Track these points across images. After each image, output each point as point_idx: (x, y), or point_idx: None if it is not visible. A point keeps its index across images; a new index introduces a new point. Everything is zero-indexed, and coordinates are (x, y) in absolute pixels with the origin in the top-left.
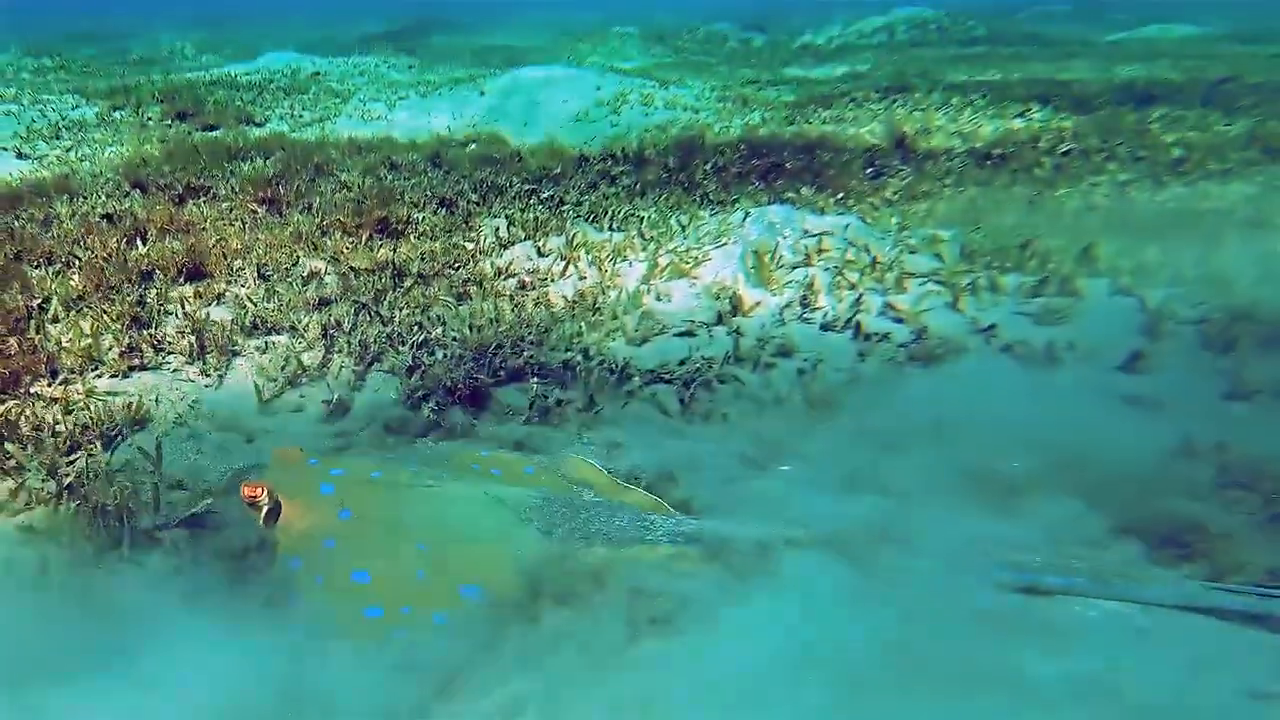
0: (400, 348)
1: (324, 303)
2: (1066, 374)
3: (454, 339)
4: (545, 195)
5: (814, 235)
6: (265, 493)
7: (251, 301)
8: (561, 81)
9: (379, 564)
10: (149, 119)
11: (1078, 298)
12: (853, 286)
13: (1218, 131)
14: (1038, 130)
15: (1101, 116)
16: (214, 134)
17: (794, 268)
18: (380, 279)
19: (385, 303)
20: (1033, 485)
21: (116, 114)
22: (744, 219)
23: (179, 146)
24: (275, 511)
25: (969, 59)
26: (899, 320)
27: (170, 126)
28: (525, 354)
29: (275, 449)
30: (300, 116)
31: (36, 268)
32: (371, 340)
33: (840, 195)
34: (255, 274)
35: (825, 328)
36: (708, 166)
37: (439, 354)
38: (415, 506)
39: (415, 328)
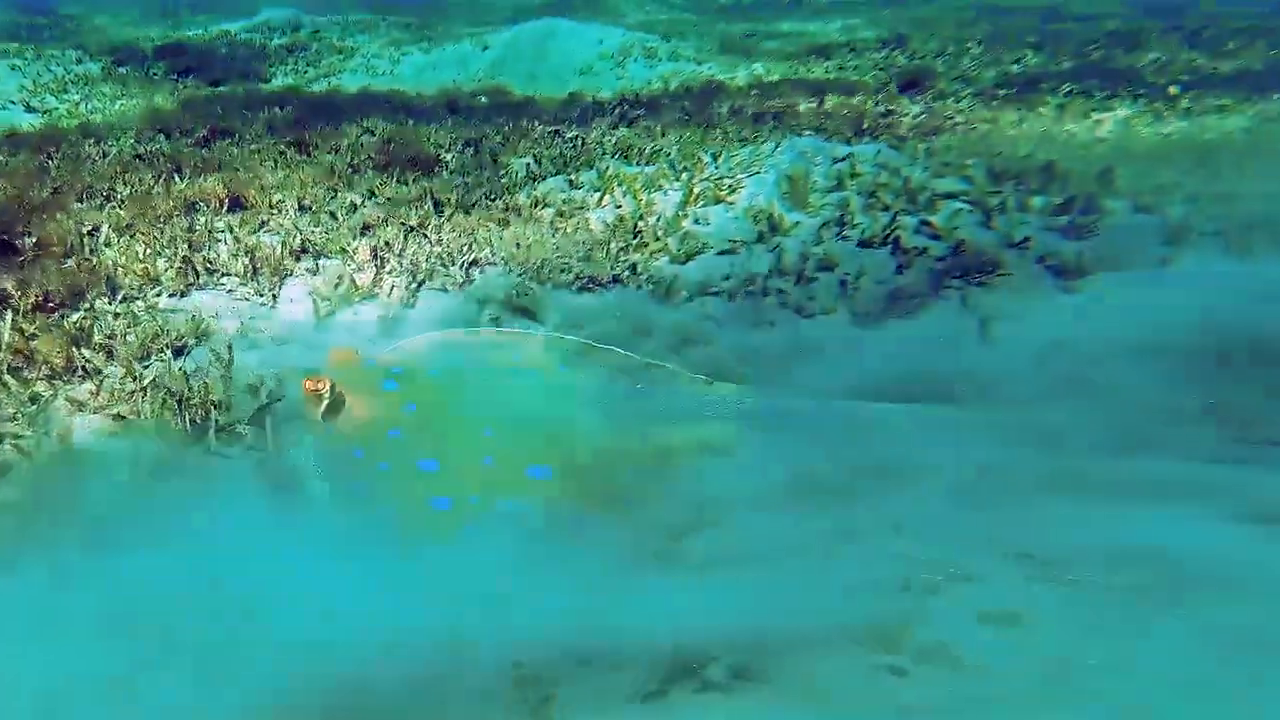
0: (451, 267)
1: (368, 228)
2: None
3: (503, 258)
4: (569, 136)
5: (845, 160)
6: (327, 386)
7: (298, 228)
8: (564, 35)
9: (447, 452)
10: (155, 74)
11: (1103, 215)
12: (886, 207)
13: (1207, 74)
14: (1035, 73)
15: (1097, 59)
16: (221, 89)
17: (828, 191)
18: (422, 208)
19: (430, 227)
20: None
21: (121, 69)
22: (775, 148)
23: (192, 99)
24: (336, 405)
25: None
26: (935, 237)
27: (176, 81)
28: (574, 270)
29: (332, 349)
30: (305, 73)
31: (78, 201)
32: (423, 260)
33: (855, 133)
34: (295, 206)
35: (863, 244)
36: (724, 110)
37: (489, 272)
38: (479, 396)
39: (465, 248)
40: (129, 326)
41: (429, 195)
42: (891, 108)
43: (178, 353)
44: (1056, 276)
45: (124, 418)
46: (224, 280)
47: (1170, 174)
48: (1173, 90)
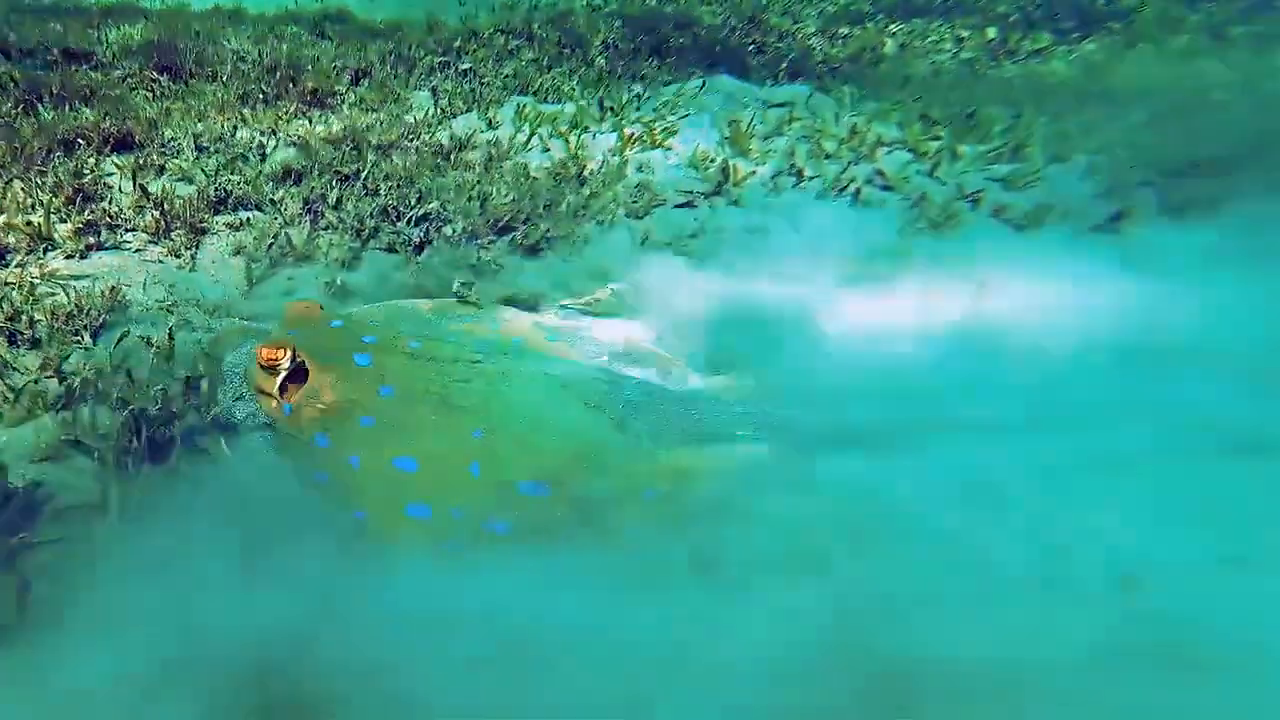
0: (399, 223)
1: (289, 174)
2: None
3: (458, 213)
4: (463, 68)
5: (778, 105)
6: (287, 354)
7: (205, 173)
8: None
9: (427, 451)
10: None
11: (1031, 163)
12: (829, 156)
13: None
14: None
15: None
16: None
17: (767, 137)
18: (343, 150)
19: (365, 175)
20: None
21: None
22: (701, 88)
23: (16, 7)
24: (296, 376)
25: None
26: (887, 188)
27: None
28: (542, 229)
29: (290, 303)
30: None
31: None
32: (366, 215)
33: (732, 70)
34: (193, 145)
35: (821, 196)
36: (599, 43)
37: (446, 229)
38: (467, 386)
39: (417, 201)
40: (29, 300)
41: (349, 136)
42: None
43: (95, 335)
44: (1015, 230)
45: (73, 443)
46: (128, 237)
47: (1042, 118)
48: (990, 33)
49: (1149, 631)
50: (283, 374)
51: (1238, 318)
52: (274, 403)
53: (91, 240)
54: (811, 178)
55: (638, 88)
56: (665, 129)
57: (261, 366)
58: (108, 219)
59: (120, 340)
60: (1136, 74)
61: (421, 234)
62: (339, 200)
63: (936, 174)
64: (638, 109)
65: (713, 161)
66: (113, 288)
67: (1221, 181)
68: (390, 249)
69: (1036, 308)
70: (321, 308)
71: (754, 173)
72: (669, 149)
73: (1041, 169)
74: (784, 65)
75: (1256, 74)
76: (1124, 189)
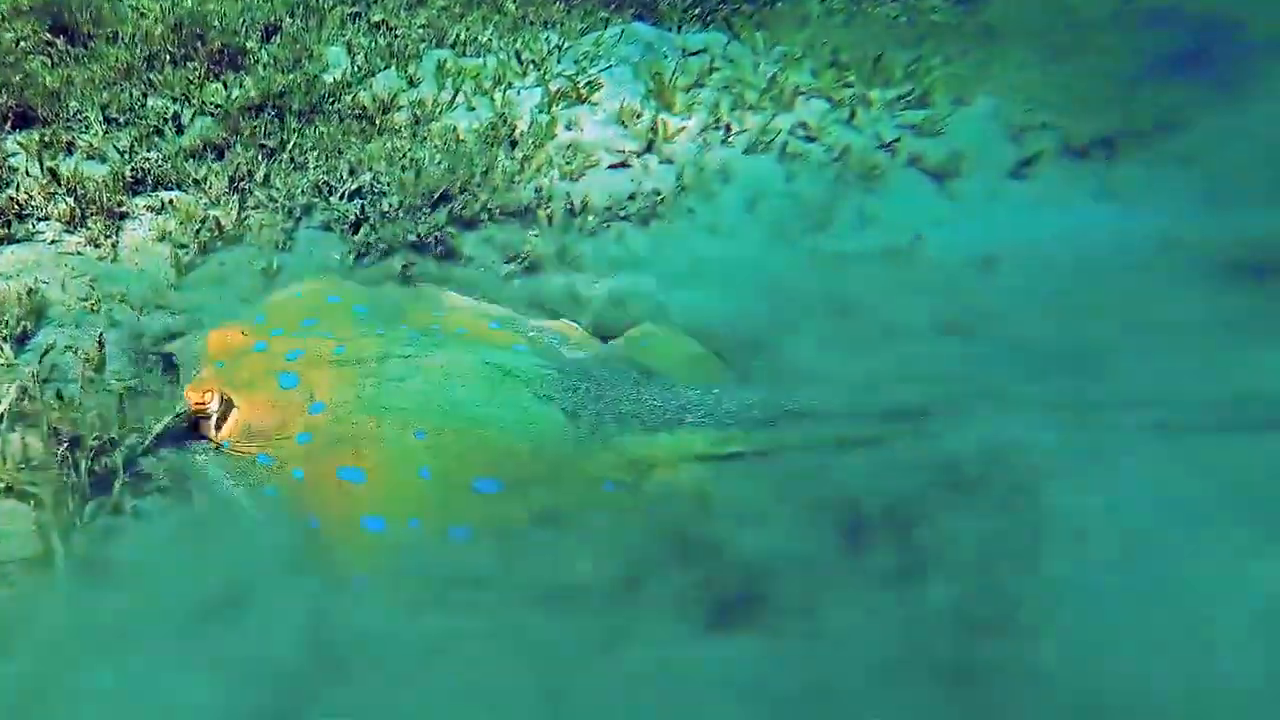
0: (331, 198)
1: (209, 147)
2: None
3: (392, 185)
4: (375, 20)
5: (696, 53)
6: (214, 396)
7: (118, 150)
8: None
9: (371, 460)
10: None
11: (936, 109)
12: (752, 107)
13: None
14: None
15: None
16: None
17: (689, 89)
18: (264, 119)
19: (291, 146)
20: None
21: None
22: (619, 36)
23: None
24: (227, 414)
25: None
26: (810, 139)
27: None
28: (481, 199)
29: (211, 333)
30: None
31: None
32: (297, 191)
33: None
34: (101, 117)
35: (748, 151)
36: None
37: (383, 204)
38: (401, 385)
39: (349, 174)
40: None
41: (270, 102)
42: None
43: (16, 345)
44: (933, 179)
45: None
46: (41, 227)
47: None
48: None
49: None
50: (214, 416)
51: None
52: (212, 446)
53: (1, 233)
54: (739, 132)
55: (554, 36)
56: (589, 82)
57: (191, 413)
58: (16, 207)
59: (46, 353)
60: (1011, 13)
61: (357, 210)
62: (266, 176)
63: (854, 122)
64: (559, 61)
65: (640, 116)
66: (30, 288)
67: (1111, 121)
68: (326, 227)
69: None
70: (244, 333)
71: (683, 128)
72: (595, 104)
73: (949, 114)
74: (693, 7)
75: (1126, 14)
76: (1028, 132)
